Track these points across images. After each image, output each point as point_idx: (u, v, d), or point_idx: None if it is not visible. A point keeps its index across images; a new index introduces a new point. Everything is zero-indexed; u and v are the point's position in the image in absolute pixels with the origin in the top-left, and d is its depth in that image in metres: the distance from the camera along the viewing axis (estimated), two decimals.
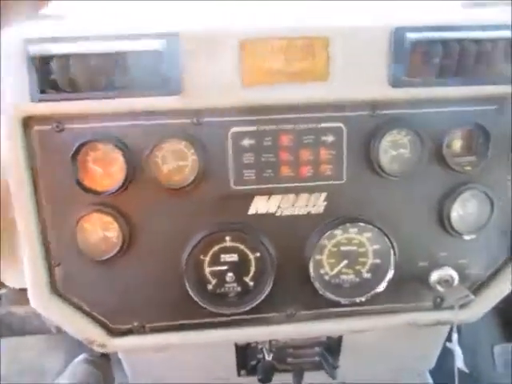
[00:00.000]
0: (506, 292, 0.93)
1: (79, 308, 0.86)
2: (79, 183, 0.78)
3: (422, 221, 0.88)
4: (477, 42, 0.76)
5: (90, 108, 0.75)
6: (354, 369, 1.07)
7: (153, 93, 0.74)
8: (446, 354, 1.10)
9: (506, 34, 0.75)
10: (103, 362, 1.13)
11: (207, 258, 0.87)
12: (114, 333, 0.88)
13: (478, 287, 0.93)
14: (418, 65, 0.77)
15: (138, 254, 0.84)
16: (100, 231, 0.82)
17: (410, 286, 0.91)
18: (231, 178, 0.82)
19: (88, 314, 0.87)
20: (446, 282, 0.89)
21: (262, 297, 0.87)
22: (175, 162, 0.80)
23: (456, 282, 0.88)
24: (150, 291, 0.86)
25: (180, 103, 0.75)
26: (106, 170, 0.79)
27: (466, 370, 0.89)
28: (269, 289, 0.86)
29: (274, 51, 0.74)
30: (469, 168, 0.84)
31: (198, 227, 0.83)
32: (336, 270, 0.90)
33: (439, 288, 0.89)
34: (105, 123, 0.77)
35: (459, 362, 0.89)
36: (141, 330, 0.89)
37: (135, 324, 0.88)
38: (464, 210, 0.87)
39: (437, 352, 1.14)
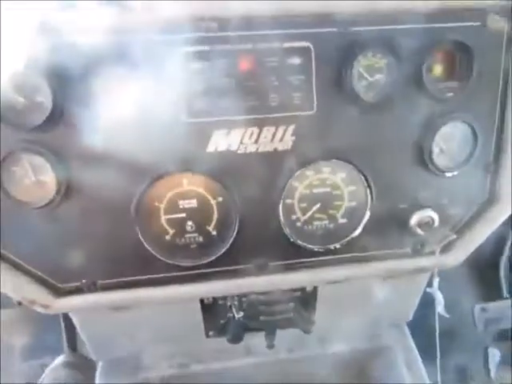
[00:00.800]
0: (488, 234, 0.87)
1: (15, 265, 0.75)
2: None
3: (401, 156, 0.79)
4: None
5: None
6: (329, 323, 1.01)
7: None
8: (424, 307, 1.05)
9: None
10: (84, 363, 1.02)
11: (162, 205, 0.76)
12: (59, 292, 0.78)
13: (459, 229, 0.87)
14: None
15: (79, 199, 0.72)
16: (31, 174, 0.70)
17: (388, 231, 0.84)
18: (183, 108, 0.70)
19: (27, 272, 0.76)
20: (427, 224, 0.82)
21: (227, 246, 0.78)
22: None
23: (437, 224, 0.81)
24: (100, 243, 0.76)
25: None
26: (30, 100, 0.65)
27: (447, 315, 0.84)
28: (233, 237, 0.77)
29: None
30: (451, 95, 0.75)
31: (150, 168, 0.72)
32: (308, 215, 0.81)
33: (419, 231, 0.82)
34: None
35: (440, 308, 0.84)
36: (91, 288, 0.79)
37: (84, 281, 0.78)
38: (446, 143, 0.79)
39: (415, 304, 1.10)
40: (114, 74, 0.66)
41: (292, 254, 0.82)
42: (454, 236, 0.82)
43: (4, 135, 0.67)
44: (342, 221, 0.83)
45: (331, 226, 0.83)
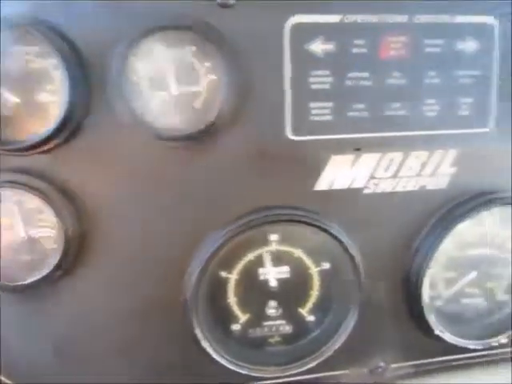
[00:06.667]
0: None
1: None
2: None
3: None
4: None
5: None
6: None
7: None
8: None
9: None
10: None
11: (233, 276, 0.50)
12: None
13: None
14: None
15: (96, 271, 0.47)
16: (20, 228, 0.44)
17: None
18: (287, 118, 0.45)
19: None
20: None
21: (339, 343, 0.52)
22: (179, 85, 0.43)
23: None
24: (116, 341, 0.50)
25: None
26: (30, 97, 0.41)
27: None
28: (351, 328, 0.51)
29: None
30: None
31: (218, 217, 0.47)
32: (456, 289, 0.56)
33: None
34: None
35: None
36: None
37: None
38: None
39: None
40: (182, 62, 0.42)
41: (426, 350, 0.57)
42: None
43: None
44: (502, 298, 0.58)
45: (485, 305, 0.58)
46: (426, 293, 0.52)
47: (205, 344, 0.48)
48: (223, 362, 0.49)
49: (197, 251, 0.47)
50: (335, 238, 0.48)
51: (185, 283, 0.47)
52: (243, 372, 0.50)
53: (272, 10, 0.43)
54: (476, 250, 0.55)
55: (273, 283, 0.51)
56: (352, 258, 0.49)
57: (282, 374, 0.52)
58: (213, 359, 0.49)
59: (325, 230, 0.47)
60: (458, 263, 0.56)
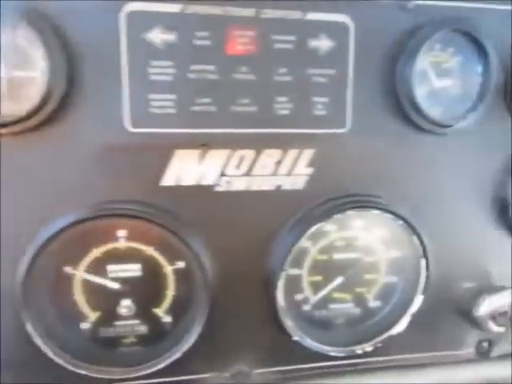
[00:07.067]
0: None
1: None
2: None
3: (475, 209, 0.56)
4: None
5: None
6: None
7: None
8: None
9: None
10: None
11: (79, 272, 0.49)
12: None
13: None
14: None
15: None
16: None
17: (443, 323, 0.60)
18: (126, 110, 0.44)
19: None
20: (503, 315, 0.58)
21: (188, 345, 0.50)
22: (8, 69, 0.42)
23: None
24: None
25: None
26: None
27: None
28: (199, 330, 0.50)
29: None
30: None
31: (55, 209, 0.45)
32: (322, 294, 0.55)
33: (491, 325, 0.58)
34: None
35: None
36: None
37: None
38: None
39: None
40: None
41: (293, 356, 0.56)
42: None
43: None
44: (373, 304, 0.58)
45: (357, 312, 0.58)
46: (280, 296, 0.51)
47: (38, 341, 0.46)
48: (57, 360, 0.47)
49: (27, 249, 0.45)
50: (175, 234, 0.46)
51: (15, 279, 0.46)
52: (82, 372, 0.48)
53: None
54: (342, 254, 0.55)
55: (112, 285, 0.49)
56: (197, 256, 0.48)
57: (131, 376, 0.51)
58: (47, 357, 0.47)
59: (161, 226, 0.46)
60: (324, 267, 0.55)
